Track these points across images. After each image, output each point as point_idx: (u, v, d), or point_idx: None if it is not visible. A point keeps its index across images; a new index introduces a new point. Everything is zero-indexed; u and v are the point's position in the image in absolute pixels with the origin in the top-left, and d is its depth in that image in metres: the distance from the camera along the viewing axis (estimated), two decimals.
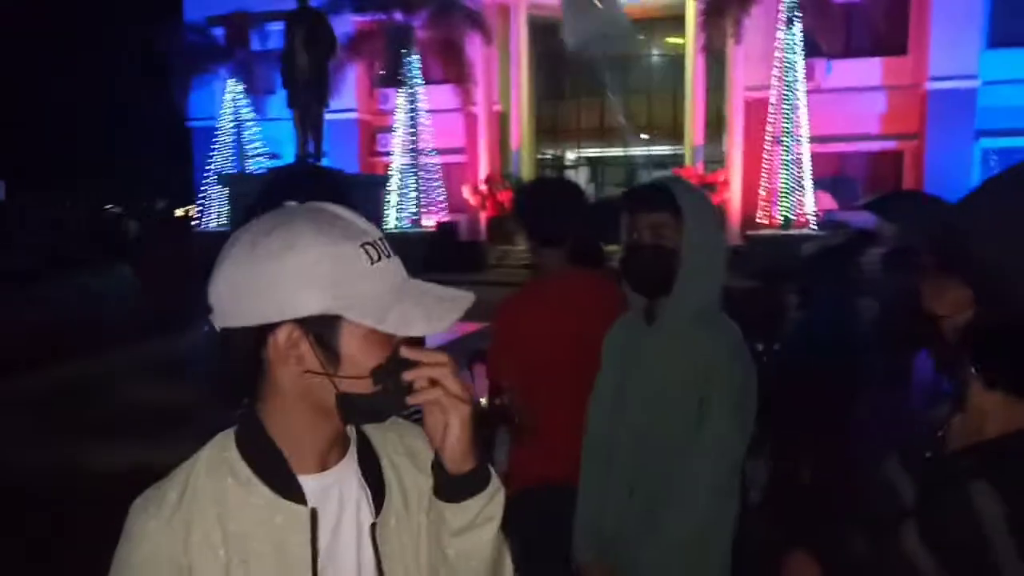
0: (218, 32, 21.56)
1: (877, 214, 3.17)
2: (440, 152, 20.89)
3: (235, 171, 21.95)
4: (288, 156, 19.25)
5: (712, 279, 1.85)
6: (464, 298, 0.91)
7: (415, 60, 19.76)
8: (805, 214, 17.01)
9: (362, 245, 0.86)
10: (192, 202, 24.72)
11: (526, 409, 2.20)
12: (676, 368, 1.85)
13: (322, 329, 0.85)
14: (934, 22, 18.04)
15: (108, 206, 28.19)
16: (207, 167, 22.32)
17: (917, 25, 18.76)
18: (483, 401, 2.28)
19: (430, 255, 15.72)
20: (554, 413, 2.17)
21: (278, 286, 0.83)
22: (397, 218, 19.51)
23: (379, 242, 0.89)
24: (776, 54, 17.10)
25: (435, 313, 0.87)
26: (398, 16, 19.09)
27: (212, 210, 21.89)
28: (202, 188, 22.47)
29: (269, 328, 0.85)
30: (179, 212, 28.47)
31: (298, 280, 0.83)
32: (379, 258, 0.87)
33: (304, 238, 0.84)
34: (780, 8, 16.71)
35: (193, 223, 22.42)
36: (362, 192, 7.68)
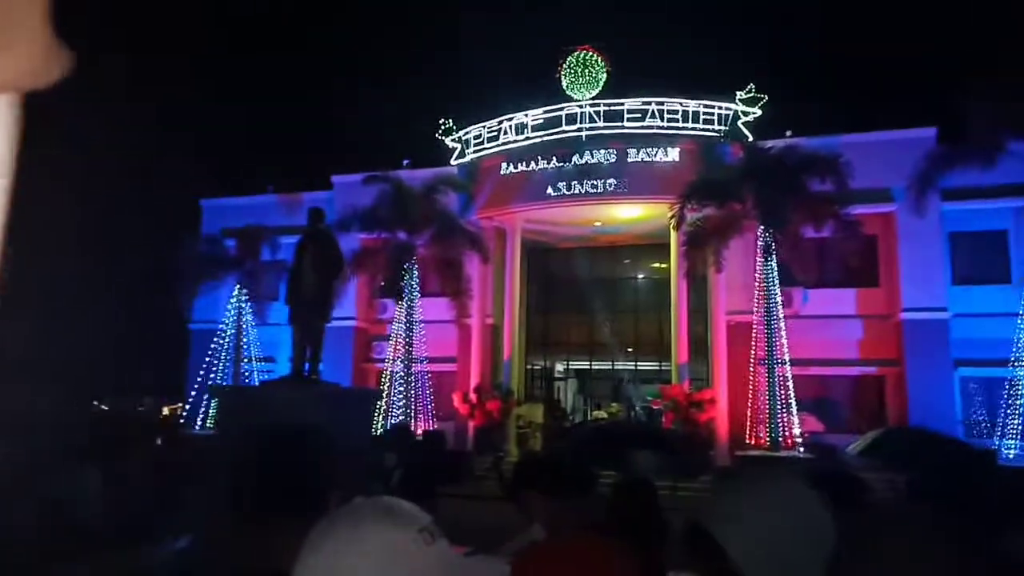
0: (230, 242, 22.81)
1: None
2: (432, 360, 21.34)
3: (229, 374, 22.21)
4: (283, 361, 19.58)
5: None
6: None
7: (414, 274, 20.81)
8: (792, 436, 17.03)
9: (419, 531, 1.01)
10: (181, 401, 24.67)
11: None
12: None
13: None
14: (902, 259, 19.33)
15: (95, 402, 28.00)
16: (202, 368, 22.59)
17: (886, 261, 20.08)
18: None
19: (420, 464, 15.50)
20: None
21: (356, 570, 0.96)
22: (384, 425, 19.43)
23: (431, 526, 1.03)
24: (756, 282, 18.11)
25: None
26: (402, 235, 20.41)
27: (201, 411, 21.84)
28: (194, 389, 22.55)
29: None
30: (166, 411, 28.28)
31: (370, 567, 0.96)
32: (433, 541, 1.01)
33: (369, 529, 0.99)
34: (757, 241, 17.95)
35: (180, 423, 22.22)
36: (354, 405, 7.84)
